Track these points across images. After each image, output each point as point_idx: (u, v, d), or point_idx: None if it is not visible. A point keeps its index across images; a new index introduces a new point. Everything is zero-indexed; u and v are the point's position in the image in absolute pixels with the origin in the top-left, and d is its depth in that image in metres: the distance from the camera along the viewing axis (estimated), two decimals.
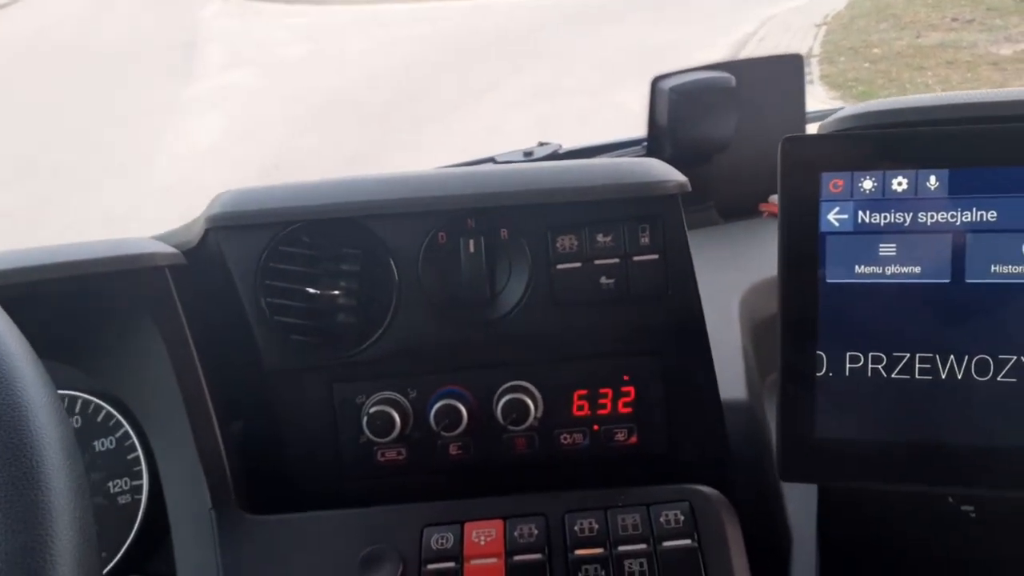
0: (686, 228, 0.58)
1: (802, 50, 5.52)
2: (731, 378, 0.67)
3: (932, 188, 0.51)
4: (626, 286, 0.58)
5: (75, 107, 5.63)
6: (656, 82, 1.11)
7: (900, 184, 0.52)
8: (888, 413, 0.53)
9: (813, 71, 5.05)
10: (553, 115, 4.57)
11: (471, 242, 0.57)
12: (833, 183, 0.53)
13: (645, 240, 0.57)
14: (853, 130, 0.56)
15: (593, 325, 0.59)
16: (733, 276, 0.85)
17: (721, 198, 1.12)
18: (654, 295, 0.58)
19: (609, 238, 0.57)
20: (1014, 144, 0.50)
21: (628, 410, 0.59)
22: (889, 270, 0.52)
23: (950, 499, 0.58)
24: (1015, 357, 0.51)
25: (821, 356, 0.53)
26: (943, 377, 0.52)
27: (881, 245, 0.52)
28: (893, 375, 0.53)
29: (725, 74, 1.09)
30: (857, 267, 0.53)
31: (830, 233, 0.53)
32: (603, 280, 0.58)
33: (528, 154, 1.20)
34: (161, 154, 4.63)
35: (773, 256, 0.95)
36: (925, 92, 4.41)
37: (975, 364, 0.51)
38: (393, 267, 0.58)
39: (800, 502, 0.63)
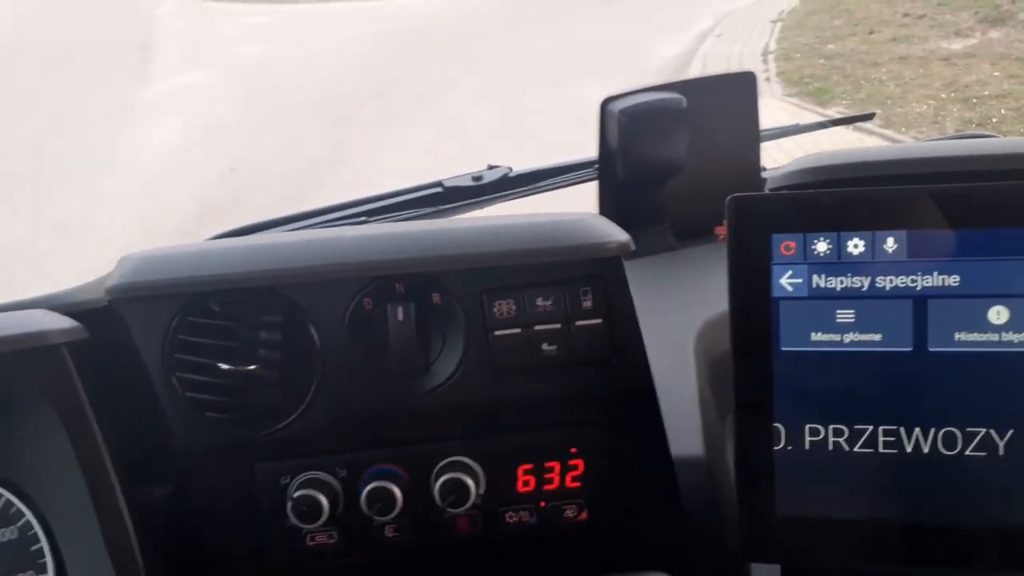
0: (628, 287, 0.54)
1: (759, 46, 5.56)
2: (687, 429, 0.63)
3: (890, 251, 0.48)
4: (569, 352, 0.54)
5: (26, 111, 5.45)
6: (605, 104, 1.07)
7: (856, 247, 0.48)
8: (852, 489, 0.50)
9: (770, 68, 5.08)
10: (513, 114, 4.53)
11: (400, 309, 0.53)
12: (785, 245, 0.49)
13: (588, 304, 0.53)
14: (805, 187, 0.53)
15: (536, 393, 0.54)
16: (689, 309, 0.82)
17: (676, 220, 1.09)
18: (599, 360, 0.54)
19: (549, 302, 0.53)
20: (975, 205, 0.47)
21: (577, 484, 0.55)
22: (848, 338, 0.49)
23: None
24: (984, 430, 0.48)
25: (778, 428, 0.50)
26: (908, 451, 0.49)
27: (838, 311, 0.49)
28: (856, 448, 0.49)
29: (675, 95, 1.05)
30: (813, 334, 0.49)
31: (783, 298, 0.49)
32: (544, 347, 0.53)
33: (477, 179, 1.15)
34: (116, 158, 4.50)
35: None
36: (880, 87, 4.47)
37: (942, 437, 0.48)
38: (315, 336, 0.54)
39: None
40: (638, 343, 0.54)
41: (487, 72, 5.53)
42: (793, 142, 1.39)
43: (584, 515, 0.56)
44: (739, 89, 1.11)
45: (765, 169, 1.14)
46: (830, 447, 0.49)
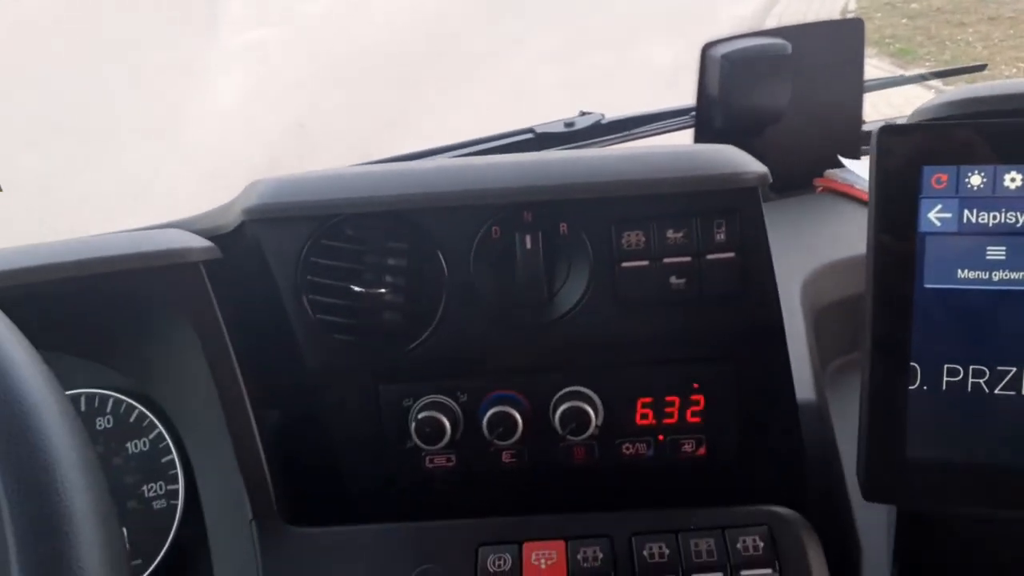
0: (764, 221, 0.53)
1: (837, 5, 5.35)
2: (798, 374, 0.62)
3: None
4: (698, 287, 0.53)
5: (98, 67, 5.59)
6: (707, 49, 1.05)
7: (1014, 180, 0.46)
8: (990, 433, 0.48)
9: None
10: (587, 74, 4.46)
11: (528, 237, 0.53)
12: (936, 178, 0.47)
13: (720, 237, 0.52)
14: (958, 118, 0.50)
15: (660, 328, 0.54)
16: (792, 260, 0.80)
17: (773, 171, 1.06)
18: (729, 297, 0.53)
19: (680, 234, 0.52)
20: None
21: (697, 420, 0.55)
22: (996, 275, 0.47)
23: None
24: None
25: (915, 368, 0.49)
26: None
27: (989, 248, 0.47)
28: (996, 391, 0.48)
29: (780, 41, 1.02)
30: (960, 271, 0.47)
31: (930, 233, 0.48)
32: (673, 280, 0.53)
33: (569, 125, 1.14)
34: (185, 113, 4.59)
35: (832, 237, 0.90)
36: (966, 49, 4.28)
37: None
38: (443, 263, 0.54)
39: (872, 516, 0.59)
40: (771, 280, 0.53)
41: (554, 29, 5.45)
42: (901, 98, 1.34)
43: (703, 450, 0.55)
44: (846, 37, 1.07)
45: (866, 122, 1.11)
46: (969, 388, 0.48)
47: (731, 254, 0.52)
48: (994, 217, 0.47)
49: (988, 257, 0.47)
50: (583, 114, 1.17)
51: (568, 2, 6.08)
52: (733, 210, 0.52)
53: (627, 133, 1.12)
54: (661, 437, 0.55)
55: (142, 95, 4.92)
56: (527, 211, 0.53)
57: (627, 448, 0.55)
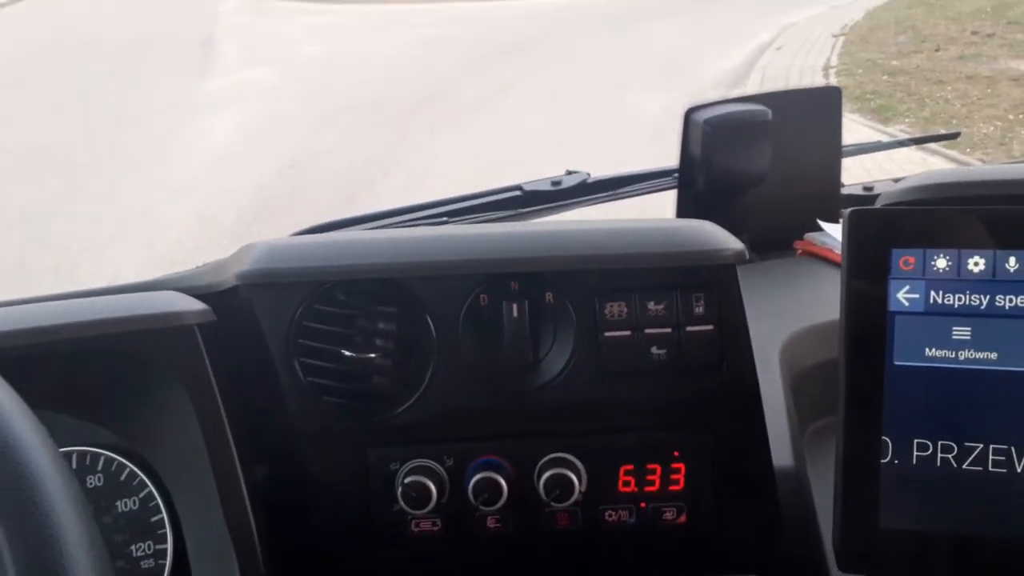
0: (741, 296, 0.55)
1: (819, 60, 5.50)
2: (776, 439, 0.64)
3: (1012, 270, 0.48)
4: (679, 357, 0.55)
5: (91, 103, 5.63)
6: (689, 114, 1.08)
7: (977, 264, 0.49)
8: (959, 506, 0.50)
9: (831, 83, 5.01)
10: (573, 121, 4.54)
11: (515, 305, 0.55)
12: (904, 260, 0.50)
13: (699, 310, 0.54)
14: (921, 203, 0.53)
15: (642, 397, 0.56)
16: (772, 323, 0.82)
17: (754, 233, 1.09)
18: (708, 367, 0.55)
19: (661, 306, 0.54)
20: None
21: (678, 487, 0.56)
22: (963, 355, 0.49)
23: None
24: None
25: (886, 442, 0.50)
26: (1019, 471, 0.49)
27: (954, 328, 0.49)
28: (964, 466, 0.50)
29: (760, 107, 1.06)
30: (927, 350, 0.50)
31: (899, 313, 0.50)
32: (654, 350, 0.55)
33: (556, 183, 1.16)
34: (176, 152, 4.62)
35: (811, 301, 0.93)
36: (944, 107, 4.39)
37: None
38: (432, 328, 0.56)
39: None
40: (747, 351, 0.55)
41: (541, 79, 5.55)
42: (871, 159, 1.38)
43: (683, 518, 0.57)
44: (823, 103, 1.11)
45: (844, 186, 1.14)
46: (938, 463, 0.50)
47: (710, 326, 0.54)
48: (959, 299, 0.49)
49: (954, 337, 0.49)
50: (569, 173, 1.20)
51: (554, 55, 6.20)
52: (712, 284, 0.54)
53: (612, 193, 1.15)
54: (643, 504, 0.57)
55: (132, 133, 4.95)
56: (514, 281, 0.55)
57: (610, 515, 0.57)
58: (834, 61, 5.47)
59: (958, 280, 0.49)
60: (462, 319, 0.55)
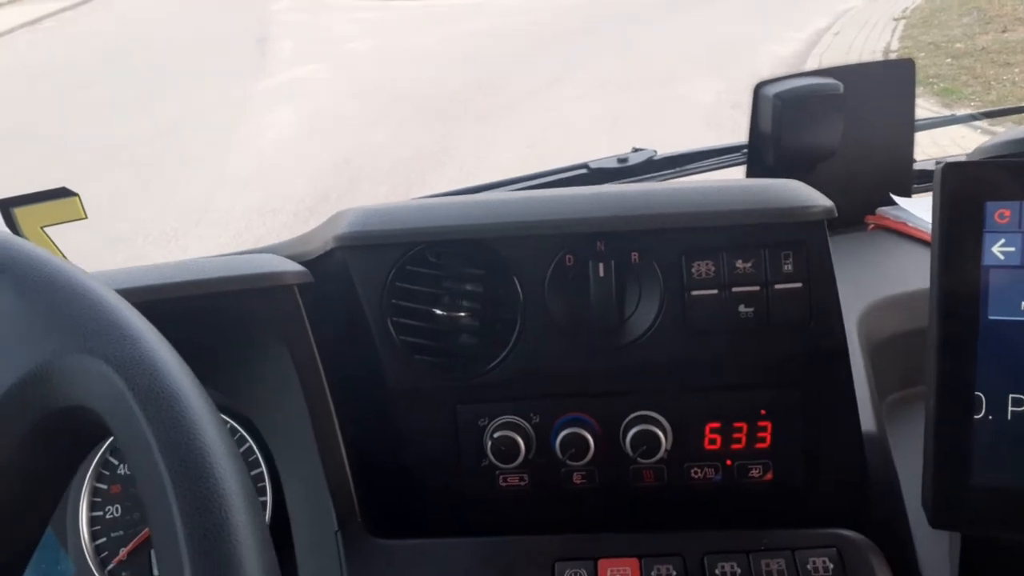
0: (830, 253, 0.55)
1: (879, 44, 5.36)
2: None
3: None
4: (766, 316, 0.55)
5: (153, 101, 5.80)
6: (759, 88, 1.07)
7: None
8: None
9: None
10: (620, 113, 4.52)
11: (600, 265, 0.56)
12: (999, 213, 0.49)
13: (788, 267, 0.55)
14: (1019, 155, 0.53)
15: (729, 355, 0.56)
16: (847, 295, 0.82)
17: None
18: (796, 325, 0.55)
19: (749, 264, 0.55)
20: None
21: (764, 445, 0.57)
22: None
23: None
24: None
25: (980, 397, 0.50)
26: None
27: None
28: None
29: (832, 80, 1.05)
30: (1023, 304, 0.49)
31: (994, 267, 0.49)
32: (741, 309, 0.55)
33: (623, 160, 1.17)
34: (235, 147, 4.73)
35: (885, 273, 0.92)
36: (1011, 89, 4.24)
37: None
38: (519, 288, 0.57)
39: (933, 544, 0.60)
40: (836, 309, 0.55)
41: (591, 70, 5.53)
42: (929, 139, 1.34)
43: (769, 475, 0.57)
44: (897, 77, 1.09)
45: (916, 161, 1.12)
46: None
47: (798, 284, 0.55)
48: None
49: None
50: (636, 150, 1.21)
51: (608, 43, 6.17)
52: (800, 242, 0.55)
53: (679, 169, 1.15)
54: (729, 462, 0.57)
55: (193, 130, 5.08)
56: (600, 240, 0.56)
57: (695, 472, 0.57)
58: (895, 45, 5.32)
59: None
60: (548, 279, 0.57)
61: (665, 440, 0.56)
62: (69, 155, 4.64)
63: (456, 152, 4.29)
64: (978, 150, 0.56)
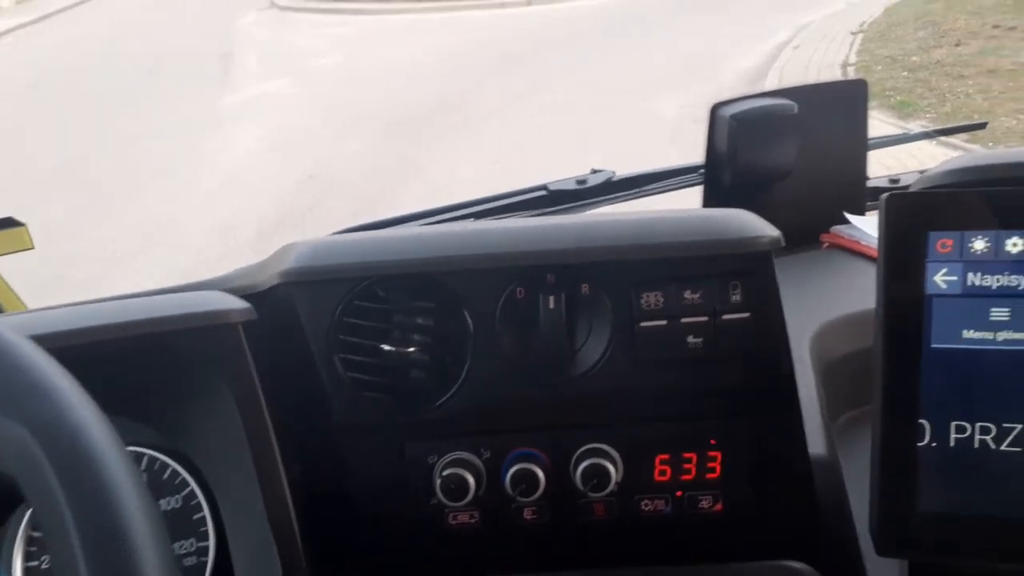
0: (777, 283, 0.56)
1: (838, 58, 5.46)
2: (808, 429, 0.64)
3: None
4: (715, 346, 0.55)
5: (115, 117, 5.72)
6: (715, 109, 1.08)
7: (1016, 245, 0.49)
8: (998, 488, 0.50)
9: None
10: (590, 128, 4.55)
11: (551, 298, 0.55)
12: (941, 243, 0.50)
13: (736, 298, 0.55)
14: (961, 185, 0.53)
15: (678, 386, 0.56)
16: (801, 315, 0.82)
17: (780, 227, 1.09)
18: (744, 355, 0.55)
19: (697, 295, 0.55)
20: None
21: (713, 476, 0.57)
22: (1001, 336, 0.49)
23: None
24: None
25: (923, 425, 0.50)
26: None
27: (992, 309, 0.49)
28: (1003, 447, 0.49)
29: (786, 101, 1.06)
30: (965, 332, 0.50)
31: (937, 295, 0.50)
32: (690, 339, 0.55)
33: (581, 182, 1.17)
34: (198, 164, 4.68)
35: (839, 292, 0.92)
36: (966, 101, 4.34)
37: None
38: (469, 322, 0.56)
39: (884, 570, 0.60)
40: (783, 339, 0.55)
41: (559, 86, 5.56)
42: (897, 154, 1.37)
43: (719, 506, 0.57)
44: (850, 97, 1.11)
45: (870, 179, 1.14)
46: (976, 444, 0.50)
47: (746, 314, 0.55)
48: (997, 280, 0.49)
49: (992, 318, 0.49)
50: (595, 171, 1.21)
51: (574, 60, 6.21)
52: (748, 272, 0.55)
53: (638, 190, 1.15)
54: (679, 493, 0.57)
55: (155, 146, 5.02)
56: (550, 273, 0.56)
57: (646, 504, 0.57)
58: (852, 58, 5.42)
59: (996, 261, 0.49)
60: (499, 313, 0.56)
61: (616, 472, 0.55)
62: (27, 175, 4.55)
63: (423, 167, 4.28)
64: (923, 178, 0.57)
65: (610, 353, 0.56)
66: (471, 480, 0.55)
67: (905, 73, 4.97)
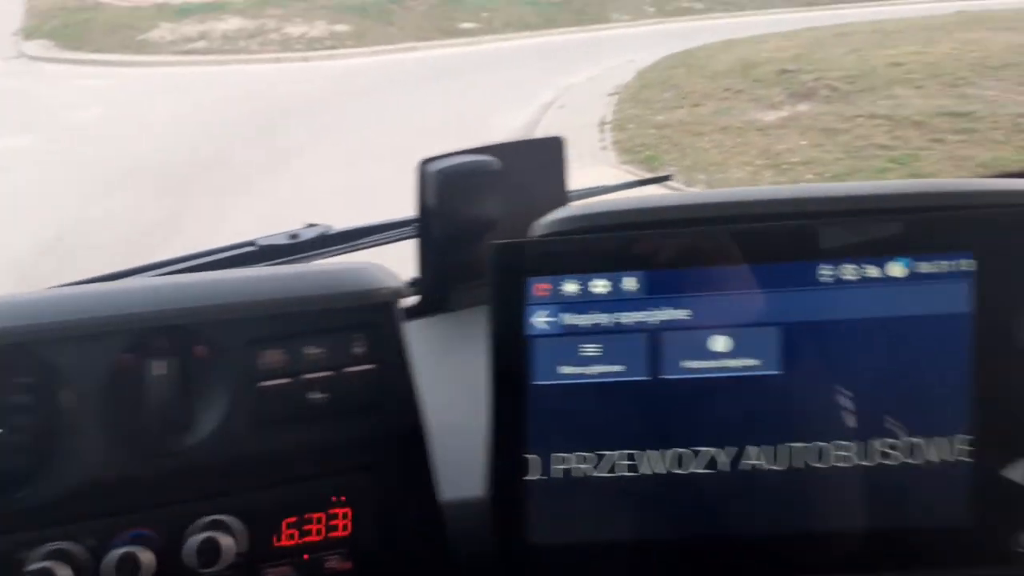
0: (401, 334, 0.56)
1: (596, 117, 5.89)
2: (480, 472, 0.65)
3: (630, 290, 0.52)
4: (338, 399, 0.54)
5: None
6: (423, 165, 1.11)
7: (600, 287, 0.52)
8: (601, 513, 0.52)
9: (606, 137, 5.39)
10: (362, 186, 4.54)
11: (162, 364, 0.52)
12: (538, 287, 0.53)
13: (358, 350, 0.54)
14: (559, 235, 0.57)
15: (303, 444, 0.54)
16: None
17: None
18: (369, 408, 0.55)
19: (320, 350, 0.54)
20: (701, 247, 0.52)
21: (343, 533, 0.55)
22: (593, 370, 0.52)
23: None
24: (711, 450, 0.52)
25: (529, 459, 0.52)
26: (645, 472, 0.52)
27: (584, 346, 0.52)
28: (598, 474, 0.52)
29: (489, 157, 1.11)
30: (561, 368, 0.52)
31: (536, 336, 0.52)
32: (312, 395, 0.54)
33: (294, 236, 1.15)
34: None
35: None
36: (703, 155, 4.83)
37: (673, 458, 0.52)
38: (71, 397, 0.51)
39: None
40: (409, 388, 0.56)
41: (328, 143, 5.53)
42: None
43: (348, 564, 0.55)
44: (549, 152, 1.18)
45: None
46: (578, 474, 0.52)
47: (370, 366, 0.54)
48: (587, 319, 0.52)
49: (585, 354, 0.52)
50: (310, 226, 1.19)
51: (341, 119, 6.21)
52: (369, 324, 0.55)
53: (352, 244, 1.15)
54: (306, 556, 0.54)
55: None
56: (160, 336, 0.52)
57: (269, 573, 0.54)
58: (609, 117, 5.88)
59: (585, 302, 0.52)
60: (105, 384, 0.51)
61: (236, 543, 0.52)
62: None
63: (185, 225, 4.05)
64: (535, 227, 0.60)
65: (230, 418, 0.53)
66: (68, 572, 0.49)
67: (653, 131, 5.45)
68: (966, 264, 0.50)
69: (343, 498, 0.55)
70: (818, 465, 0.52)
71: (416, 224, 1.11)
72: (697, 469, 0.52)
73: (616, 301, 0.52)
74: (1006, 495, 0.53)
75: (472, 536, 0.59)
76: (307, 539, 0.54)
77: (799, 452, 0.52)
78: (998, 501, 0.53)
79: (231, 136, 5.76)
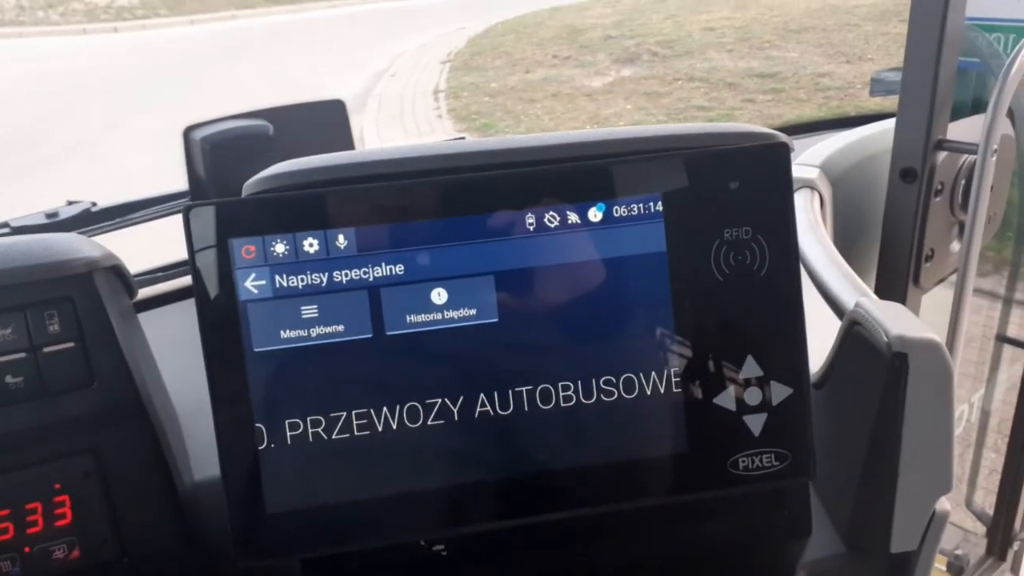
0: (107, 307, 0.53)
1: (430, 85, 5.85)
2: None
3: (342, 247, 0.51)
4: (40, 383, 0.50)
5: None
6: (188, 132, 1.05)
7: (311, 246, 0.51)
8: (336, 476, 0.52)
9: (441, 105, 5.37)
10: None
11: None
12: (245, 249, 0.51)
13: (55, 328, 0.51)
14: (263, 193, 0.55)
15: (7, 432, 0.50)
16: None
17: None
18: (78, 387, 0.51)
19: (8, 330, 0.50)
20: (411, 200, 0.52)
21: (65, 521, 0.52)
22: (314, 332, 0.51)
23: (422, 542, 0.59)
24: (439, 400, 0.53)
25: (260, 429, 0.51)
26: (380, 430, 0.52)
27: (302, 308, 0.51)
28: (334, 436, 0.52)
29: (260, 122, 1.07)
30: (283, 332, 0.51)
31: (250, 301, 0.51)
32: (9, 379, 0.50)
33: (52, 215, 1.06)
34: None
35: None
36: (536, 121, 4.92)
37: (406, 412, 0.53)
38: None
39: None
40: (121, 363, 0.53)
41: (150, 115, 5.18)
42: None
43: (76, 553, 0.52)
44: (331, 115, 1.15)
45: None
46: (311, 439, 0.52)
47: (70, 344, 0.51)
48: (302, 280, 0.51)
49: (304, 316, 0.51)
50: (70, 203, 1.10)
51: (169, 90, 5.83)
52: (66, 299, 0.51)
53: (120, 220, 1.08)
54: (28, 549, 0.51)
55: None
56: None
57: None
58: (443, 85, 5.85)
59: (297, 262, 0.51)
60: None
61: None
62: None
63: None
64: (245, 186, 0.58)
65: None
66: None
67: (487, 98, 5.48)
68: (656, 206, 0.53)
69: (59, 486, 0.51)
70: (545, 408, 0.54)
71: (187, 196, 1.06)
72: (432, 422, 0.53)
73: (329, 260, 0.51)
74: (719, 422, 0.57)
75: (222, 514, 0.57)
76: (30, 531, 0.50)
77: (525, 396, 0.54)
78: (712, 427, 0.57)
79: (42, 110, 5.26)
